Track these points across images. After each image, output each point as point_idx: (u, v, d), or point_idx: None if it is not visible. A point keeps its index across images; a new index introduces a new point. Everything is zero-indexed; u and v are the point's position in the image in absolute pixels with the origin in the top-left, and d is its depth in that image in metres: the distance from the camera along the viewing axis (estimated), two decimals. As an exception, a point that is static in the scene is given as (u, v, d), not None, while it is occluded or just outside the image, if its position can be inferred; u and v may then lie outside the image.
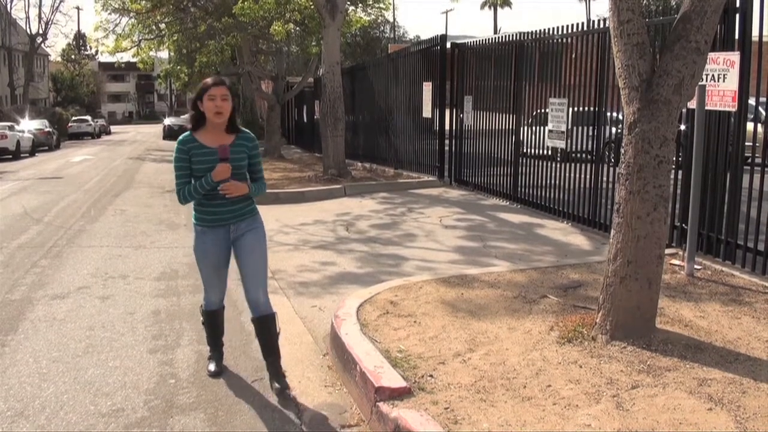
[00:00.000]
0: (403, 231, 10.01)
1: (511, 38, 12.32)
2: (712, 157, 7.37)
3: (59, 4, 71.36)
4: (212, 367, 4.91)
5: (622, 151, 4.88)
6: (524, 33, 11.72)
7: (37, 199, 14.40)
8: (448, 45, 14.69)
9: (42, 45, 60.23)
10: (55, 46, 75.96)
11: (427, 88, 14.97)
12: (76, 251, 9.06)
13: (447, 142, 14.89)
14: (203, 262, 4.65)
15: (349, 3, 23.37)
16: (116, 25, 27.39)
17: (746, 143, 7.25)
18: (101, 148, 36.09)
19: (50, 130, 35.73)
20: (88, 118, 54.58)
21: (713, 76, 7.09)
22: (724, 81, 7.01)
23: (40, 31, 58.06)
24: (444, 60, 14.52)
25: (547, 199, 11.04)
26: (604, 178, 9.34)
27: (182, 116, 54.99)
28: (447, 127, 14.81)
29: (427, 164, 15.63)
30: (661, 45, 6.83)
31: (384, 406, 3.86)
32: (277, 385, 4.52)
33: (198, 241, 4.62)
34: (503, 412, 3.74)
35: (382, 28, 65.85)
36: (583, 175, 9.78)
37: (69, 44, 76.73)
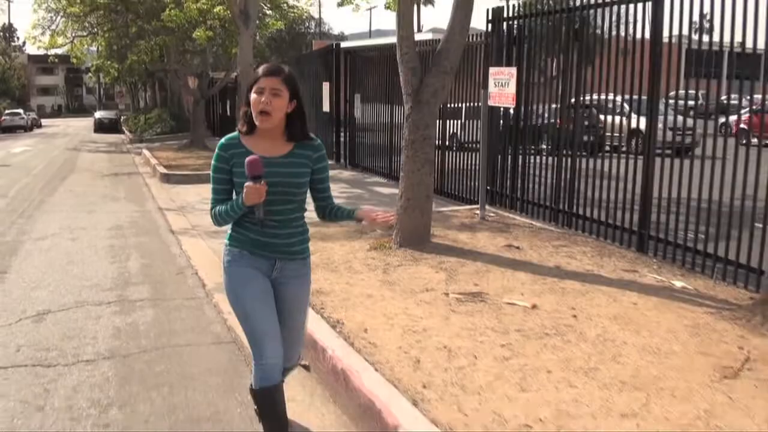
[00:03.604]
0: (297, 199, 12.99)
1: (384, 46, 15.40)
2: (505, 139, 10.55)
3: (-8, -1, 72.07)
4: None
5: (404, 131, 7.94)
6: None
7: (-6, 182, 16.98)
8: (348, 47, 17.73)
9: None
10: (-13, 40, 76.24)
11: (326, 87, 17.96)
12: (42, 214, 11.86)
13: (343, 132, 17.92)
14: (245, 292, 3.50)
15: (267, 7, 26.30)
16: (52, 22, 29.59)
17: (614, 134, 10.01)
18: (37, 140, 38.15)
19: (-13, 123, 37.71)
20: (21, 111, 55.94)
21: (501, 83, 10.21)
22: (507, 86, 10.14)
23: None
24: (338, 64, 17.52)
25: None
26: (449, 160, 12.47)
27: (112, 110, 56.78)
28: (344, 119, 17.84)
29: (327, 151, 18.57)
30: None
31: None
32: None
33: (232, 267, 3.54)
34: (318, 276, 6.75)
35: (307, 24, 68.16)
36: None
37: (-2, 35, 77.20)
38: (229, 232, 3.62)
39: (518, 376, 4.36)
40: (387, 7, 8.78)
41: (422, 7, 79.58)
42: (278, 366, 3.51)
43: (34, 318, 6.10)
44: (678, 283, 6.58)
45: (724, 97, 9.61)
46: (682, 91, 8.11)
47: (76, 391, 4.62)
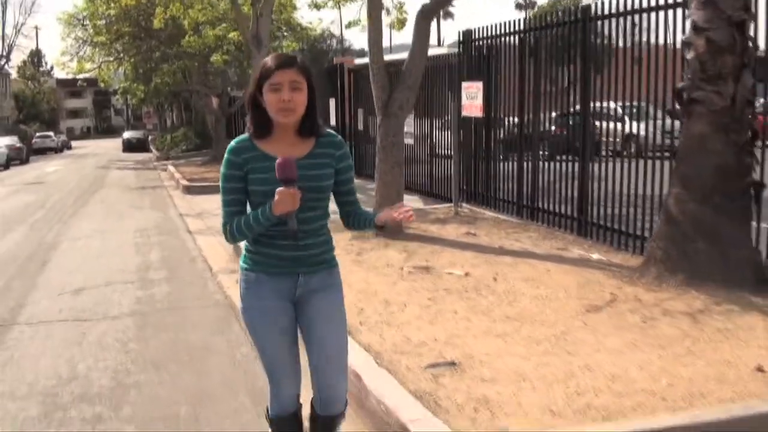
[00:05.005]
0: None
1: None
2: (477, 144, 12.02)
3: (21, 27, 74.42)
4: None
5: (377, 139, 9.44)
6: (387, 61, 16.32)
7: (33, 197, 18.73)
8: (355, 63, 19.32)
9: (6, 66, 63.50)
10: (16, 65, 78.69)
11: (332, 102, 19.53)
12: (77, 221, 13.56)
13: (348, 144, 19.49)
14: (264, 326, 3.17)
15: (284, 29, 28.03)
16: (80, 49, 31.45)
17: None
18: (68, 161, 40.13)
19: (21, 145, 39.67)
20: (51, 133, 57.79)
21: (471, 95, 11.68)
22: (477, 99, 11.60)
23: (3, 53, 61.40)
24: (343, 81, 19.09)
25: (409, 182, 15.61)
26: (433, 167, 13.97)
27: (140, 130, 58.67)
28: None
29: (335, 161, 20.16)
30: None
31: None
32: None
33: (249, 295, 3.17)
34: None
35: (329, 41, 69.76)
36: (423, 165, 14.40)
37: (24, 61, 79.58)
38: (244, 252, 3.22)
39: (432, 316, 5.85)
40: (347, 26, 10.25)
41: (442, 21, 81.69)
42: (293, 396, 3.27)
43: (71, 293, 7.72)
44: (595, 256, 8.01)
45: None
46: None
47: (105, 334, 6.22)
